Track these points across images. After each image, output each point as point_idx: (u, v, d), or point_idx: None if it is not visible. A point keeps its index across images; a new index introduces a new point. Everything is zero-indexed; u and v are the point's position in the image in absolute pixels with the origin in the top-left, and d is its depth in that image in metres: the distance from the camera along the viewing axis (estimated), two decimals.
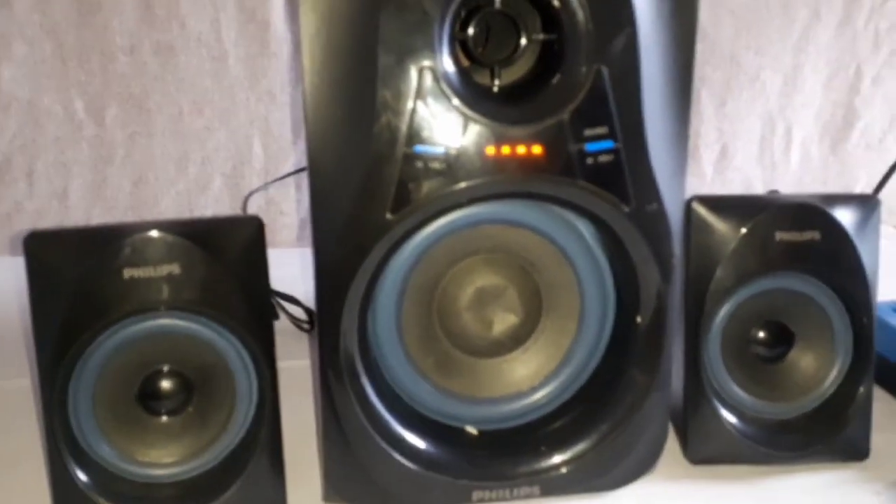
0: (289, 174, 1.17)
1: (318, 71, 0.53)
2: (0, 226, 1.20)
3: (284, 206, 1.26)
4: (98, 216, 1.20)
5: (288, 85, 1.20)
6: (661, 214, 0.57)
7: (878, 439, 0.70)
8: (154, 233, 0.56)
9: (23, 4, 1.10)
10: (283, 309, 0.97)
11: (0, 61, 1.12)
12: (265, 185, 1.21)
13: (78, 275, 0.54)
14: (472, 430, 0.66)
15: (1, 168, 1.17)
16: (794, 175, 1.32)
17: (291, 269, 0.94)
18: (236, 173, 1.23)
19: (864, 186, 1.32)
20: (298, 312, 0.99)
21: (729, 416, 0.68)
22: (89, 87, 1.16)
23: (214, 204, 1.24)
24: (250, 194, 1.17)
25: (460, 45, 0.55)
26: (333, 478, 0.63)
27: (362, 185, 0.54)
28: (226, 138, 1.21)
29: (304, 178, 1.23)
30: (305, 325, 0.98)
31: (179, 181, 1.22)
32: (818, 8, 1.24)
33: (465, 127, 0.53)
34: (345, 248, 0.56)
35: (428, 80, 0.52)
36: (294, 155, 1.23)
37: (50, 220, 1.19)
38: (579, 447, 0.64)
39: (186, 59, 1.16)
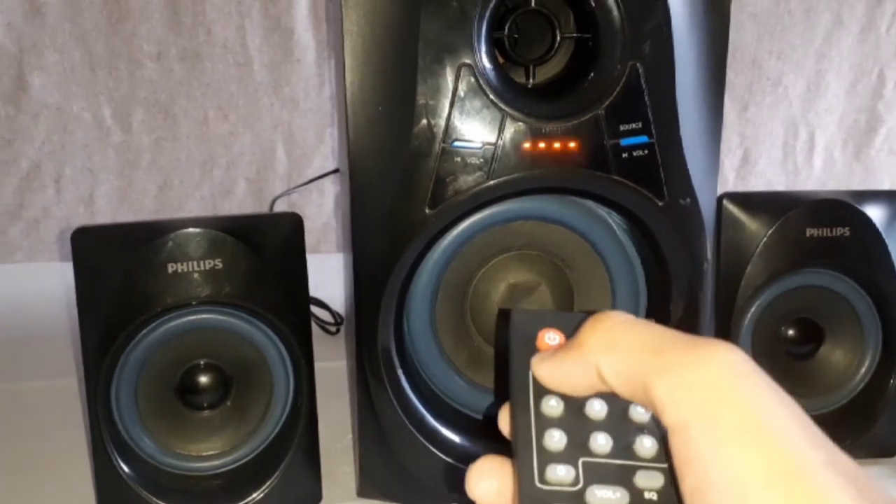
0: (318, 177, 1.19)
1: (359, 67, 0.54)
2: (28, 231, 1.21)
3: (307, 211, 1.27)
4: (124, 221, 1.21)
5: (311, 91, 1.21)
6: (694, 209, 0.58)
7: None
8: (197, 228, 0.57)
9: (54, 14, 1.12)
10: (311, 312, 0.98)
11: (31, 70, 1.14)
12: (292, 189, 1.22)
13: (123, 269, 0.56)
14: None
15: (30, 174, 1.19)
16: (818, 180, 1.32)
17: (316, 273, 0.95)
18: (260, 178, 1.24)
19: None
20: (325, 316, 1.00)
21: None
22: (116, 94, 1.17)
23: (238, 208, 1.25)
24: (276, 198, 1.19)
25: (497, 44, 0.56)
26: (368, 472, 0.64)
27: (401, 180, 0.55)
28: (250, 143, 1.22)
29: (326, 184, 1.25)
30: (332, 329, 0.99)
31: (204, 185, 1.23)
32: (840, 13, 1.25)
33: (503, 123, 0.54)
34: (383, 243, 0.57)
35: (466, 77, 0.53)
36: (317, 159, 1.24)
37: (77, 225, 1.20)
38: None
39: (212, 66, 1.18)
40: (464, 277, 0.64)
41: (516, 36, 0.57)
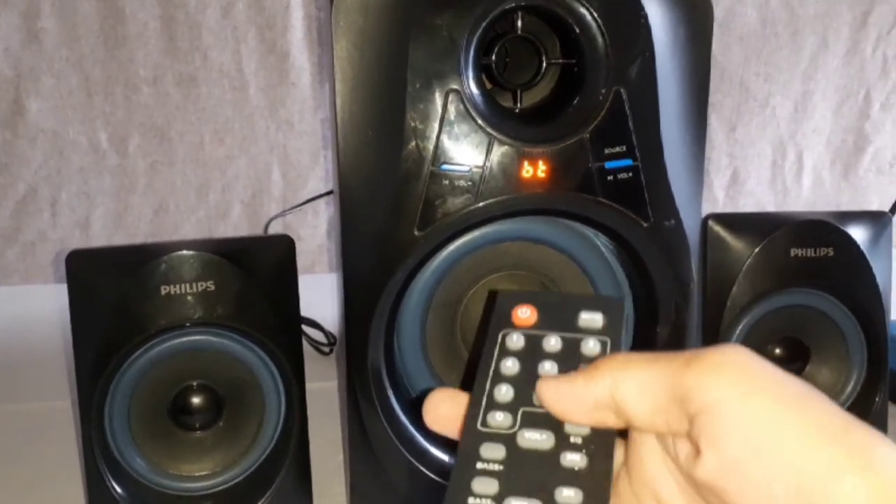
0: (312, 199, 1.20)
1: (350, 93, 0.55)
2: (24, 254, 1.22)
3: (302, 232, 1.28)
4: (119, 244, 1.22)
5: (306, 113, 1.22)
6: (678, 230, 0.59)
7: None
8: (190, 251, 0.58)
9: (52, 39, 1.14)
10: (304, 332, 0.99)
11: (28, 94, 1.15)
12: (287, 211, 1.23)
13: (117, 291, 0.56)
14: None
15: (26, 198, 1.20)
16: (807, 199, 1.34)
17: (310, 294, 0.96)
18: (255, 200, 1.25)
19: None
20: (319, 336, 1.00)
21: None
22: (113, 118, 1.19)
23: (234, 231, 1.26)
24: (271, 220, 1.20)
25: (484, 70, 0.57)
26: (359, 492, 0.64)
27: (391, 202, 0.56)
28: (245, 166, 1.23)
29: (321, 205, 1.26)
30: (325, 349, 1.00)
31: (200, 209, 1.24)
32: (826, 36, 1.27)
33: (490, 146, 0.55)
34: (373, 264, 0.57)
35: (454, 102, 0.54)
36: (312, 181, 1.25)
37: (72, 248, 1.21)
38: None
39: (208, 90, 1.20)
40: (454, 297, 0.64)
41: (507, 60, 0.59)
